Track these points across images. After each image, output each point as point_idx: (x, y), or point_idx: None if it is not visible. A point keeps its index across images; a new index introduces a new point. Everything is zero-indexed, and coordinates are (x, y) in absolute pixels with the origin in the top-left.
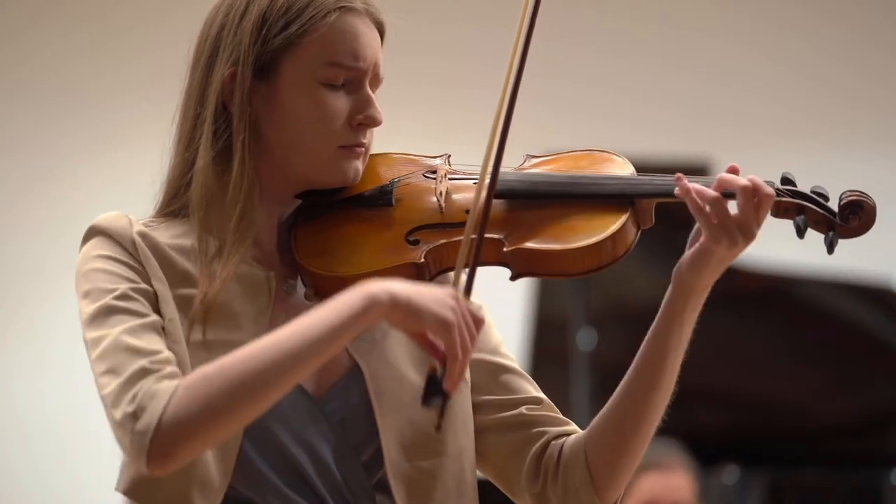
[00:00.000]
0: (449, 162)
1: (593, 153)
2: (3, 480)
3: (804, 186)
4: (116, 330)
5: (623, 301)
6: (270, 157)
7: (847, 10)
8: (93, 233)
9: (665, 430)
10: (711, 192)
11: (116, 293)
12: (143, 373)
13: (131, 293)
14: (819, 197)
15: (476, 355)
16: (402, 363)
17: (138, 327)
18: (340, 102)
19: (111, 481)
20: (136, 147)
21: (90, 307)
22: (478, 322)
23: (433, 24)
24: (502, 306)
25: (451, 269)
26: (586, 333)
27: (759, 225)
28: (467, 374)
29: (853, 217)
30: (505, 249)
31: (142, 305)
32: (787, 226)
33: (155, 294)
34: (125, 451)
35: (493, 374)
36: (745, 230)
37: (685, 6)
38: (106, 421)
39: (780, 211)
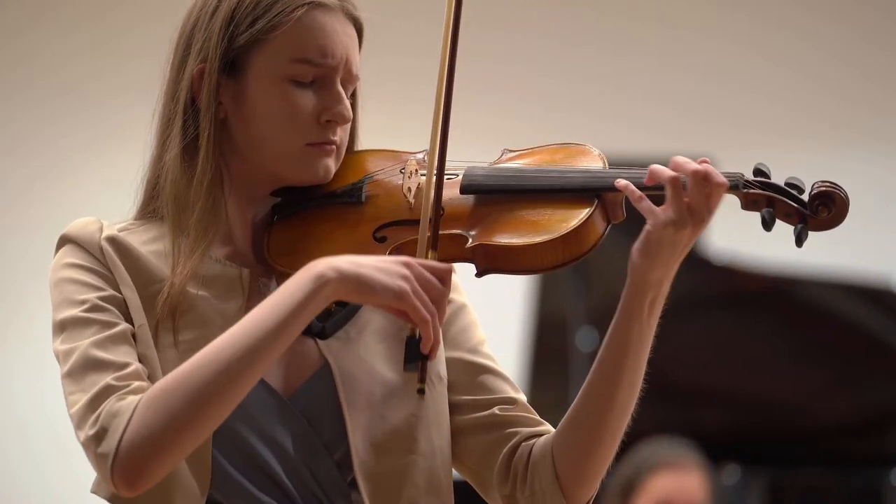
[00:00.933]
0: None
1: (569, 146)
2: (3, 480)
3: (779, 178)
4: (85, 342)
5: None
6: (240, 154)
7: (847, 10)
8: (62, 241)
9: (665, 430)
10: (667, 173)
11: (86, 305)
12: (108, 391)
13: (101, 303)
14: (792, 189)
15: (454, 354)
16: (377, 360)
17: (107, 339)
18: (308, 100)
19: None
20: (136, 147)
21: (60, 317)
22: (442, 274)
23: (428, 24)
24: (502, 306)
25: None
26: (586, 333)
27: (710, 212)
28: (444, 373)
29: (823, 209)
30: (467, 245)
31: (111, 315)
32: (786, 226)
33: (124, 300)
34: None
35: (470, 373)
36: (694, 214)
37: (683, 6)
38: None
39: (749, 203)
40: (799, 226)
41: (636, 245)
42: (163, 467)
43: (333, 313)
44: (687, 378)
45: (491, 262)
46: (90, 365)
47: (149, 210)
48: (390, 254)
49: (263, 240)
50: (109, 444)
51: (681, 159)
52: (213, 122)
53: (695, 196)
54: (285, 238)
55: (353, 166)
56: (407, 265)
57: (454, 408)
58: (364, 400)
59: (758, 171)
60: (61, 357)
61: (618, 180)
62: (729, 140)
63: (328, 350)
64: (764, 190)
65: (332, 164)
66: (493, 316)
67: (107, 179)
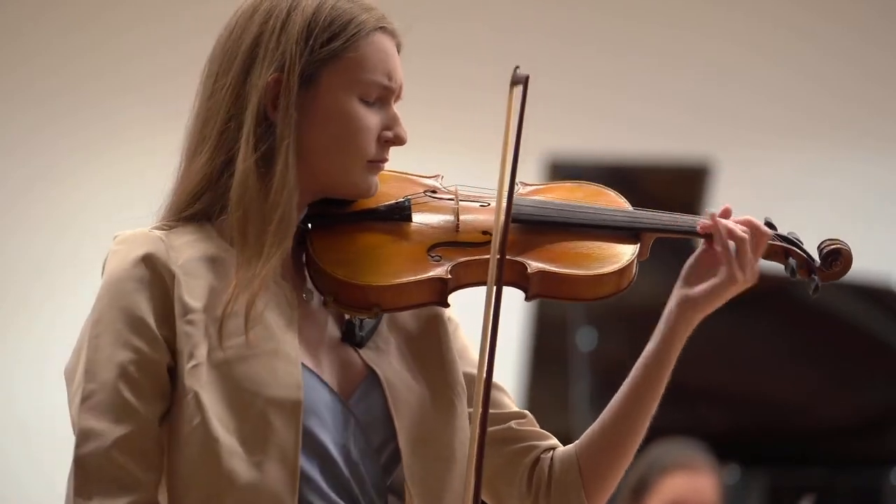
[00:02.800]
0: (442, 182)
1: (583, 185)
2: (3, 480)
3: (783, 229)
4: (110, 437)
5: (623, 301)
6: (301, 164)
7: (846, 10)
8: (141, 262)
9: (666, 430)
10: (741, 229)
11: (118, 369)
12: None
13: (135, 372)
14: (799, 241)
15: (463, 369)
16: (408, 370)
17: (131, 437)
18: (373, 118)
19: None
20: (136, 147)
21: (90, 364)
22: None
23: (430, 24)
24: (503, 306)
25: (468, 285)
26: (586, 333)
27: (757, 261)
28: (463, 384)
29: (836, 263)
30: (528, 272)
31: (142, 397)
32: (786, 226)
33: (172, 346)
34: None
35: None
36: (752, 267)
37: (683, 6)
38: None
39: (770, 253)
40: (815, 278)
41: (698, 291)
42: None
43: (365, 324)
44: (687, 378)
45: (545, 288)
46: (106, 470)
47: (185, 214)
48: (450, 273)
49: (306, 249)
50: None
51: (722, 220)
52: (294, 131)
53: (743, 249)
54: (334, 249)
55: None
56: None
57: (469, 420)
58: (405, 407)
59: (769, 224)
60: (78, 431)
61: (701, 224)
62: (729, 140)
63: (370, 359)
64: (784, 243)
65: (378, 182)
66: None
67: (107, 179)
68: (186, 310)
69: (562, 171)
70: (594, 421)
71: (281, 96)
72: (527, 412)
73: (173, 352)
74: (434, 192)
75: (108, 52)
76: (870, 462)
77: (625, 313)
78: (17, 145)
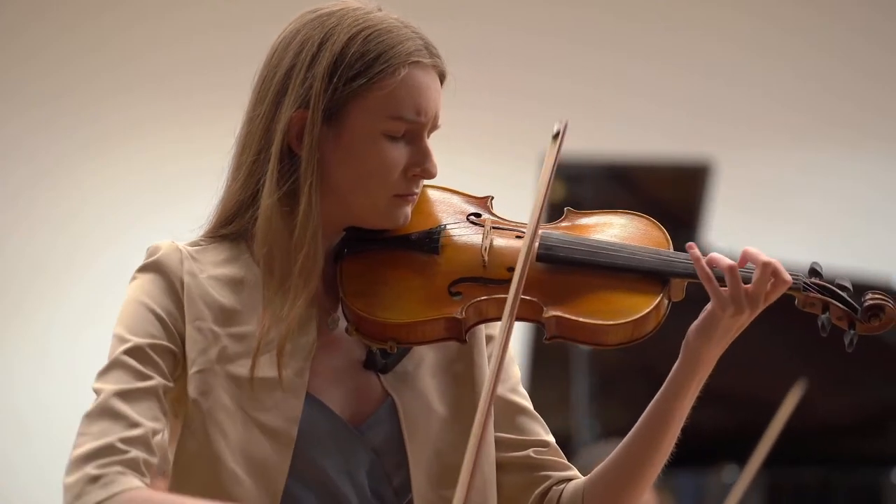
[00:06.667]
0: (491, 205)
1: (629, 219)
2: (3, 480)
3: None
4: (110, 388)
5: None
6: (327, 197)
7: (847, 9)
8: (150, 267)
9: None
10: (726, 261)
11: (129, 345)
12: (110, 451)
13: (146, 350)
14: (843, 291)
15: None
16: (432, 395)
17: (133, 391)
18: (399, 154)
19: None
20: (135, 147)
21: (110, 354)
22: None
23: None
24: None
25: (486, 321)
26: None
27: (766, 303)
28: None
29: (875, 318)
30: (544, 315)
31: (150, 366)
32: (786, 226)
33: (177, 350)
34: None
35: (508, 412)
36: (752, 302)
37: (684, 5)
38: None
39: (806, 304)
40: (851, 332)
41: (694, 326)
42: None
43: (391, 352)
44: None
45: (563, 331)
46: (106, 413)
47: (220, 233)
48: (464, 312)
49: (336, 275)
50: None
51: (752, 250)
52: (317, 170)
53: (758, 286)
54: (359, 279)
55: (420, 207)
56: None
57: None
58: (422, 433)
59: (813, 272)
60: (94, 395)
61: (697, 264)
62: (730, 140)
63: (391, 386)
64: (821, 294)
65: (409, 212)
66: None
67: (106, 179)
68: (196, 316)
69: (561, 170)
70: (593, 420)
71: (305, 134)
72: (550, 442)
73: (183, 349)
74: (478, 216)
75: (108, 52)
76: (870, 462)
77: None
78: (17, 145)
